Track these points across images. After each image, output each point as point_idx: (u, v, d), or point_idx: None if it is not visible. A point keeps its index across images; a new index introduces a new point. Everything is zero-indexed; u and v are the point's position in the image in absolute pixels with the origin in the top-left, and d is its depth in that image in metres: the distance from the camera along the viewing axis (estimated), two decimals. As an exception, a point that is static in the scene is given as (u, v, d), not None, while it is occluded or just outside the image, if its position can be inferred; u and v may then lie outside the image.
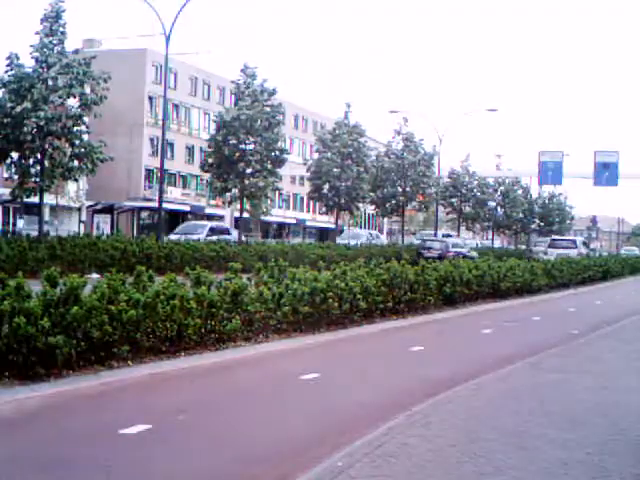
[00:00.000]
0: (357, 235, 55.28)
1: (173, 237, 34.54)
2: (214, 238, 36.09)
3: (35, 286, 9.84)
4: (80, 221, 56.89)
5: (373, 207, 62.35)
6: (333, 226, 59.94)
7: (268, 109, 43.75)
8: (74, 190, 53.82)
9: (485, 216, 71.44)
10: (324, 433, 7.51)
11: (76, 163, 30.30)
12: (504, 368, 10.97)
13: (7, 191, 36.03)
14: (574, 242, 55.00)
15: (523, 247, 76.68)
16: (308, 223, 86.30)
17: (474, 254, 40.34)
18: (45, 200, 32.64)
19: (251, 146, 43.35)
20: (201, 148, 62.05)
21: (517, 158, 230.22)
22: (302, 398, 8.98)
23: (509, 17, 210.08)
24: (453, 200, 68.72)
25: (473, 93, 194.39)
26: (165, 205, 38.78)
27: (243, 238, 40.55)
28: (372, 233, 62.96)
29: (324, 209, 57.48)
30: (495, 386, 9.63)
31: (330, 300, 14.40)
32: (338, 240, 49.73)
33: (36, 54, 30.03)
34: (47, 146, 29.53)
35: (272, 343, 12.73)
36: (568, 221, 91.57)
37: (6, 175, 40.46)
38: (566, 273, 31.34)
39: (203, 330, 11.52)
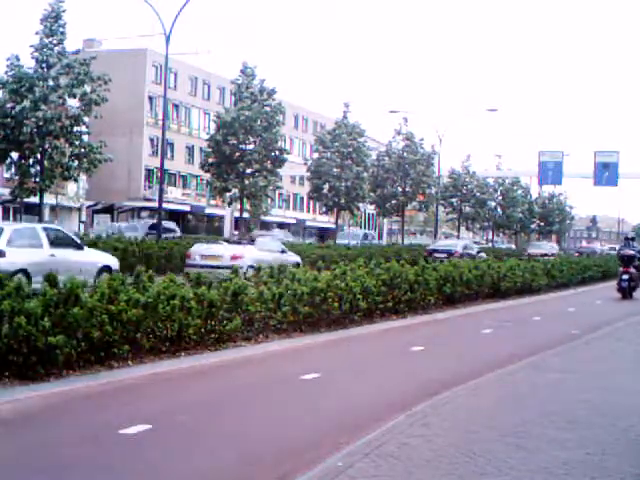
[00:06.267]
0: None
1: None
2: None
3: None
4: (80, 221, 56.92)
5: (373, 207, 62.36)
6: (333, 226, 59.90)
7: (268, 109, 43.83)
8: (74, 190, 53.83)
9: (485, 216, 71.48)
10: (324, 433, 7.51)
11: (76, 163, 30.31)
12: (504, 368, 10.96)
13: (7, 191, 36.04)
14: None
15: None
16: (308, 223, 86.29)
17: None
18: (45, 200, 32.65)
19: (251, 146, 43.42)
20: (201, 148, 62.06)
21: (517, 158, 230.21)
22: (302, 398, 8.98)
23: (509, 17, 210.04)
24: (453, 200, 68.78)
25: (473, 93, 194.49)
26: (165, 205, 38.77)
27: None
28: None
29: (324, 209, 57.52)
30: (495, 386, 9.63)
31: (330, 300, 14.41)
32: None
33: (36, 54, 30.07)
34: (47, 146, 29.55)
35: (272, 343, 12.74)
36: (568, 221, 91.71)
37: (7, 175, 40.46)
38: (566, 273, 31.38)
39: (203, 330, 11.53)
